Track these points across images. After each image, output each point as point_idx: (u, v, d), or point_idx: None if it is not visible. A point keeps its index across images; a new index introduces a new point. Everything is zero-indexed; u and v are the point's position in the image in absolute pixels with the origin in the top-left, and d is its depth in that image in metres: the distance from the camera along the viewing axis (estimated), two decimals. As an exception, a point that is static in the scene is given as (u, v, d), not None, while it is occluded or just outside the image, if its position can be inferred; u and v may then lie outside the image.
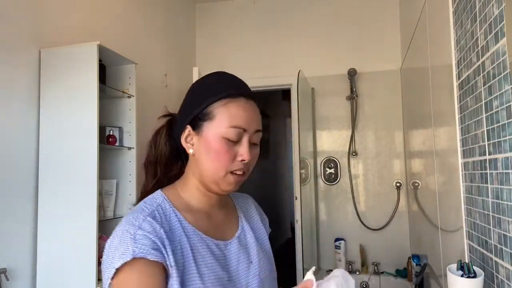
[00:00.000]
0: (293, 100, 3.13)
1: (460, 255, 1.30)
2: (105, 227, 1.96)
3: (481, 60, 1.06)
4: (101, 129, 1.87)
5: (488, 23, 0.99)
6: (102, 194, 1.94)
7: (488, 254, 1.04)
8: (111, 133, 1.99)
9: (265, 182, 5.36)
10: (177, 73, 3.10)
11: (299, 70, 2.76)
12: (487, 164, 1.02)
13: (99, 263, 1.72)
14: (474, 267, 1.00)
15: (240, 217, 0.91)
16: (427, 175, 2.00)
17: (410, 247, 2.87)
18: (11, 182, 1.63)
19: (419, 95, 2.17)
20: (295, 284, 0.93)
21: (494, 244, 0.99)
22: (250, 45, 3.36)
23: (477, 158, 1.11)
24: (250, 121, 0.77)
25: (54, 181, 1.74)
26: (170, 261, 0.69)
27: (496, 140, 0.96)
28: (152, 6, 2.81)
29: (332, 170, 3.15)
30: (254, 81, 3.23)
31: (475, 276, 0.97)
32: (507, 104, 0.88)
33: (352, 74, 3.06)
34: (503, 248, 0.93)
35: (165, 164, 0.86)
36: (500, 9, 0.91)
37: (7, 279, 1.53)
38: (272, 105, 5.51)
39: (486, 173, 1.03)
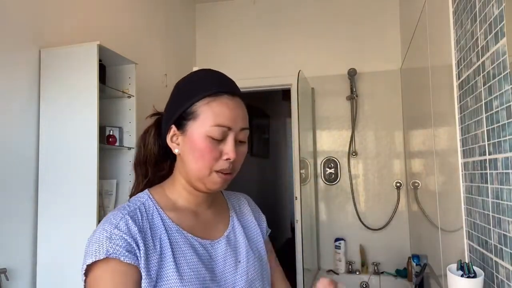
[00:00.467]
0: (293, 100, 3.13)
1: (460, 255, 1.30)
2: (105, 227, 1.96)
3: (481, 60, 1.06)
4: (101, 129, 1.87)
5: (488, 23, 0.99)
6: (102, 194, 1.94)
7: (488, 254, 1.04)
8: (111, 133, 1.99)
9: (265, 182, 5.36)
10: (177, 73, 3.10)
11: (299, 70, 2.76)
12: (487, 164, 1.02)
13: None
14: (474, 267, 1.00)
15: (232, 216, 0.90)
16: (427, 175, 2.00)
17: (410, 247, 2.87)
18: (11, 182, 1.63)
19: (419, 95, 2.17)
20: (295, 285, 0.92)
21: (494, 244, 0.99)
22: (250, 45, 3.36)
23: (477, 158, 1.11)
24: (235, 119, 0.76)
25: (54, 181, 1.74)
26: (142, 264, 0.69)
27: (496, 140, 0.96)
28: (152, 6, 2.81)
29: (332, 170, 3.15)
30: (254, 81, 3.23)
31: (475, 276, 0.97)
32: (507, 104, 0.88)
33: (352, 74, 3.06)
34: (503, 248, 0.93)
35: (154, 164, 0.86)
36: (500, 9, 0.91)
37: (7, 279, 1.53)
38: (272, 105, 5.51)
39: (486, 173, 1.03)
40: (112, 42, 2.09)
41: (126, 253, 0.68)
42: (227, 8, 3.46)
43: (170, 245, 0.73)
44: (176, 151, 0.79)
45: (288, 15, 3.31)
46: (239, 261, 0.82)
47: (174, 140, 0.79)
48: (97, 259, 0.67)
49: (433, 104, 1.75)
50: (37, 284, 1.70)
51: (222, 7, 3.48)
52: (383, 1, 3.11)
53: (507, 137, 0.89)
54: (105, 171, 1.99)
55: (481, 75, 1.05)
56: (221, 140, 0.75)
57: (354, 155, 3.09)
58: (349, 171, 3.08)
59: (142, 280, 0.69)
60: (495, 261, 0.99)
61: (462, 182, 1.28)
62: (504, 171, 0.91)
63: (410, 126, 2.63)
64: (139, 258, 0.69)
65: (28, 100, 1.74)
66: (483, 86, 1.04)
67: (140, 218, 0.73)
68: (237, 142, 0.78)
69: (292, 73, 2.90)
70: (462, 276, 0.98)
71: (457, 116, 1.31)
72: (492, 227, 1.00)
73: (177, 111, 0.78)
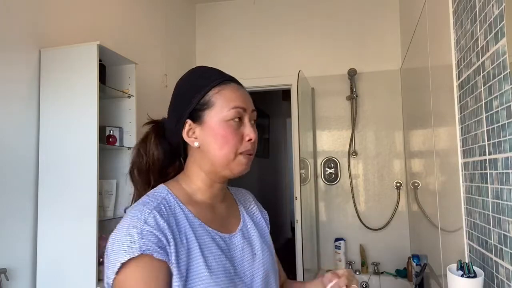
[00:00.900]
0: (293, 100, 3.13)
1: (460, 255, 1.30)
2: (105, 227, 1.96)
3: (481, 60, 1.06)
4: (101, 129, 1.87)
5: (488, 23, 0.99)
6: (102, 194, 1.94)
7: (488, 254, 1.04)
8: (111, 133, 1.99)
9: (265, 182, 5.36)
10: (177, 73, 3.10)
11: (299, 70, 2.76)
12: (487, 164, 1.02)
13: (99, 263, 1.73)
14: (474, 267, 1.00)
15: (241, 210, 0.92)
16: (427, 175, 2.00)
17: (410, 247, 2.87)
18: (11, 182, 1.63)
19: (419, 95, 2.17)
20: None
21: (494, 244, 0.99)
22: (250, 45, 3.36)
23: (477, 158, 1.11)
24: (246, 101, 0.81)
25: (54, 181, 1.74)
26: (172, 259, 0.69)
27: (496, 140, 0.96)
28: (152, 6, 2.81)
29: (332, 170, 3.15)
30: (254, 81, 3.23)
31: (475, 276, 0.97)
32: (507, 104, 0.88)
33: (352, 74, 3.06)
34: (503, 248, 0.93)
35: (159, 171, 0.85)
36: (500, 9, 0.91)
37: (7, 279, 1.53)
38: (272, 105, 5.51)
39: (486, 173, 1.03)
40: (112, 42, 2.09)
41: (158, 249, 0.67)
42: (227, 8, 3.46)
43: (196, 239, 0.74)
44: (195, 144, 0.80)
45: (288, 15, 3.31)
46: (255, 254, 0.84)
47: (191, 135, 0.80)
48: (131, 257, 0.66)
49: (433, 104, 1.75)
50: (37, 284, 1.70)
51: (222, 7, 3.48)
52: (383, 1, 3.11)
53: (507, 137, 0.89)
54: (105, 171, 1.99)
55: (481, 75, 1.05)
56: (240, 123, 0.79)
57: (354, 155, 3.09)
58: (349, 171, 3.08)
59: (173, 276, 0.69)
60: (495, 261, 0.99)
61: (462, 182, 1.28)
62: (504, 171, 0.91)
63: (410, 126, 2.63)
64: (169, 254, 0.69)
65: (28, 100, 1.74)
66: (483, 86, 1.04)
67: (166, 213, 0.73)
68: (252, 123, 0.82)
69: (292, 73, 2.90)
70: (462, 276, 0.98)
71: (457, 116, 1.31)
72: (492, 227, 1.00)
73: (189, 105, 0.79)
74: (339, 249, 2.98)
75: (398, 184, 2.98)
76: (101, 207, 1.92)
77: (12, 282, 1.58)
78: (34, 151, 1.75)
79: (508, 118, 0.88)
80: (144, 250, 0.66)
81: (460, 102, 1.28)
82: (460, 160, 1.29)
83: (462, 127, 1.27)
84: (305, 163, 2.98)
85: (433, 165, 1.78)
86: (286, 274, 1.02)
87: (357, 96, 3.07)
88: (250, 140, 0.79)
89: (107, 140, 1.96)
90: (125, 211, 0.77)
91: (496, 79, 0.94)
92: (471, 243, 1.21)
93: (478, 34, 1.07)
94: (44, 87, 1.78)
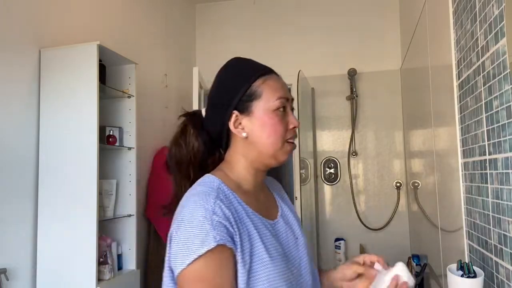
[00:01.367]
0: (293, 100, 3.12)
1: (460, 255, 1.30)
2: (105, 227, 1.96)
3: (481, 60, 1.06)
4: (101, 129, 1.87)
5: (488, 23, 0.99)
6: (102, 194, 1.94)
7: (488, 254, 1.04)
8: (111, 133, 1.99)
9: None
10: (177, 73, 3.10)
11: (299, 70, 2.76)
12: (487, 164, 1.02)
13: (99, 263, 1.73)
14: (474, 267, 1.00)
15: (276, 197, 0.94)
16: (427, 175, 2.00)
17: (410, 247, 2.87)
18: (11, 182, 1.63)
19: (419, 95, 2.17)
20: None
21: (494, 244, 0.99)
22: (250, 45, 3.36)
23: (477, 158, 1.11)
24: (287, 91, 0.85)
25: (54, 181, 1.74)
26: (238, 248, 0.70)
27: (496, 140, 0.96)
28: (152, 6, 2.81)
29: (332, 170, 3.15)
30: (254, 81, 3.22)
31: (475, 276, 0.97)
32: (507, 104, 0.88)
33: (352, 74, 3.06)
34: (503, 248, 0.93)
35: (200, 163, 0.85)
36: (500, 9, 0.91)
37: (7, 279, 1.53)
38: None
39: (486, 173, 1.03)
40: (112, 42, 2.09)
41: (229, 239, 0.69)
42: (227, 8, 3.46)
43: (254, 226, 0.76)
44: (243, 134, 0.81)
45: (288, 15, 3.31)
46: (297, 238, 0.87)
47: (237, 125, 0.81)
48: (208, 249, 0.66)
49: (433, 104, 1.75)
50: (37, 284, 1.70)
51: (222, 7, 3.48)
52: (383, 1, 3.11)
53: (507, 137, 0.89)
54: (105, 171, 1.99)
55: (481, 75, 1.05)
56: (283, 111, 0.82)
57: (354, 155, 3.09)
58: (349, 171, 3.08)
59: (238, 264, 0.70)
60: (495, 261, 0.99)
61: (462, 182, 1.28)
62: (504, 171, 0.91)
63: (410, 126, 2.63)
64: (236, 243, 0.70)
65: (28, 100, 1.74)
66: (483, 86, 1.04)
67: (226, 202, 0.73)
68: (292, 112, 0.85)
69: (292, 73, 2.90)
70: (462, 276, 0.98)
71: (457, 116, 1.31)
72: (492, 227, 1.00)
73: (236, 95, 0.80)
74: (339, 249, 2.98)
75: (398, 184, 2.98)
76: (101, 207, 1.92)
77: (12, 282, 1.58)
78: (34, 151, 1.75)
79: (508, 118, 0.88)
80: (218, 241, 0.66)
81: (460, 102, 1.28)
82: (460, 160, 1.29)
83: (462, 127, 1.27)
84: (305, 163, 2.98)
85: (433, 165, 1.78)
86: None
87: (357, 96, 3.07)
88: (294, 127, 0.82)
89: (107, 140, 1.96)
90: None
91: (496, 79, 0.94)
92: (471, 243, 1.21)
93: (478, 34, 1.07)
94: (44, 87, 1.78)
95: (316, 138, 3.20)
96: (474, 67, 1.12)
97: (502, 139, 0.92)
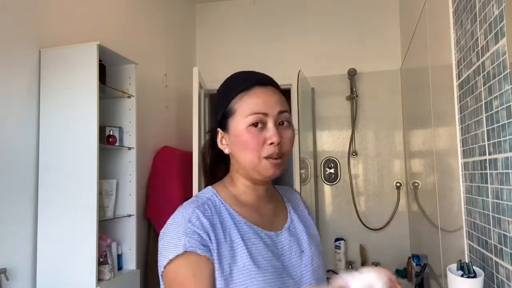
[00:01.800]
0: (293, 100, 3.12)
1: (460, 255, 1.30)
2: (105, 227, 1.96)
3: (481, 60, 1.06)
4: (101, 129, 1.87)
5: (488, 23, 0.99)
6: (102, 194, 1.94)
7: (488, 254, 1.04)
8: (111, 133, 1.99)
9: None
10: (177, 73, 3.10)
11: (299, 70, 2.76)
12: (487, 164, 1.02)
13: (99, 263, 1.73)
14: (474, 267, 1.00)
15: (289, 209, 0.93)
16: (427, 175, 2.00)
17: (410, 247, 2.87)
18: (11, 182, 1.63)
19: (419, 95, 2.17)
20: None
21: (494, 244, 0.99)
22: (250, 45, 3.36)
23: (477, 158, 1.11)
24: (269, 104, 0.80)
25: (54, 181, 1.74)
26: (214, 256, 0.73)
27: (496, 140, 0.96)
28: (152, 6, 2.81)
29: (332, 170, 3.15)
30: (254, 81, 3.22)
31: (475, 276, 0.97)
32: (507, 104, 0.88)
33: (352, 74, 3.06)
34: (503, 248, 0.93)
35: (211, 173, 0.92)
36: (500, 9, 0.91)
37: (7, 279, 1.53)
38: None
39: (486, 173, 1.03)
40: (112, 42, 2.09)
41: (202, 247, 0.72)
42: (227, 8, 3.46)
43: (241, 236, 0.77)
44: (226, 151, 0.84)
45: (288, 15, 3.31)
46: (303, 251, 0.86)
47: (224, 142, 0.84)
48: (177, 254, 0.72)
49: (433, 104, 1.75)
50: (37, 284, 1.70)
51: (222, 7, 3.48)
52: (383, 1, 3.11)
53: (507, 137, 0.89)
54: (105, 171, 1.99)
55: (481, 75, 1.05)
56: (262, 127, 0.79)
57: (354, 155, 3.09)
58: (349, 171, 3.08)
59: (215, 271, 0.73)
60: (495, 261, 0.99)
61: (462, 182, 1.28)
62: (504, 171, 0.91)
63: (410, 126, 2.63)
64: (211, 251, 0.73)
65: (28, 100, 1.74)
66: (483, 86, 1.04)
67: (209, 212, 0.77)
68: (280, 126, 0.81)
69: (292, 73, 2.90)
70: (462, 276, 0.98)
71: (457, 116, 1.31)
72: (492, 227, 1.00)
73: (219, 113, 0.84)
74: (339, 249, 2.98)
75: (398, 184, 2.98)
76: (101, 207, 1.92)
77: (12, 282, 1.58)
78: (34, 151, 1.75)
79: (508, 118, 0.88)
80: (187, 247, 0.72)
81: (460, 102, 1.28)
82: (460, 160, 1.29)
83: (462, 127, 1.27)
84: (305, 163, 2.98)
85: (433, 165, 1.78)
86: None
87: (357, 96, 3.07)
88: (272, 143, 0.78)
89: (107, 140, 1.96)
90: None
91: (496, 79, 0.94)
92: (471, 243, 1.21)
93: (478, 34, 1.07)
94: (44, 87, 1.78)
95: (316, 138, 3.20)
96: (474, 67, 1.12)
97: (502, 139, 0.92)
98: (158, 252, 0.76)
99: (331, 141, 3.18)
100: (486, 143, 1.03)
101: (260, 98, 0.80)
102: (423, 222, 2.17)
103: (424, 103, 1.96)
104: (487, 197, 1.03)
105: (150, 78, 2.68)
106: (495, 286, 0.99)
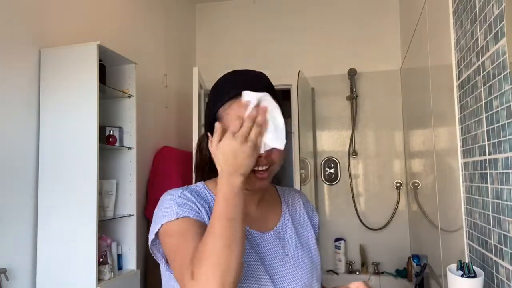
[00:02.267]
0: (293, 100, 3.13)
1: (460, 255, 1.30)
2: (105, 227, 1.96)
3: (481, 60, 1.06)
4: (101, 129, 1.87)
5: (488, 23, 0.99)
6: (102, 194, 1.94)
7: (488, 254, 1.04)
8: (111, 133, 1.99)
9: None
10: (177, 73, 3.10)
11: (299, 70, 2.76)
12: (487, 164, 1.02)
13: (99, 263, 1.73)
14: (474, 267, 1.00)
15: (284, 212, 0.92)
16: (427, 175, 2.00)
17: (410, 247, 2.87)
18: (11, 182, 1.63)
19: (419, 95, 2.17)
20: None
21: (494, 244, 0.99)
22: (250, 45, 3.36)
23: (477, 158, 1.11)
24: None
25: (54, 181, 1.74)
26: (206, 221, 0.74)
27: (496, 140, 0.96)
28: (152, 6, 2.81)
29: (332, 170, 3.15)
30: (254, 81, 3.22)
31: (475, 276, 0.97)
32: (507, 104, 0.88)
33: (352, 74, 3.06)
34: (503, 248, 0.93)
35: (210, 168, 0.87)
36: (500, 9, 0.91)
37: (7, 279, 1.53)
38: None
39: (486, 173, 1.03)
40: (112, 42, 2.09)
41: (194, 213, 0.75)
42: (227, 8, 3.46)
43: None
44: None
45: (288, 15, 3.31)
46: (287, 255, 0.84)
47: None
48: (169, 220, 0.73)
49: (433, 104, 1.75)
50: (37, 284, 1.70)
51: (222, 7, 3.48)
52: (383, 1, 3.11)
53: (507, 137, 0.89)
54: (105, 171, 1.99)
55: (481, 75, 1.05)
56: None
57: (354, 155, 3.09)
58: (349, 171, 3.08)
59: None
60: (495, 261, 0.99)
61: (462, 182, 1.28)
62: (504, 171, 0.91)
63: (410, 126, 2.63)
64: (203, 218, 0.75)
65: (28, 100, 1.74)
66: (483, 86, 1.04)
67: (196, 197, 0.79)
68: None
69: (292, 73, 2.90)
70: (462, 276, 0.98)
71: (457, 116, 1.31)
72: (492, 227, 1.00)
73: (208, 119, 0.82)
74: (339, 249, 2.98)
75: (398, 184, 2.98)
76: (101, 207, 1.92)
77: (12, 282, 1.58)
78: (34, 151, 1.75)
79: (508, 118, 0.88)
80: (180, 215, 0.73)
81: (460, 102, 1.28)
82: (460, 160, 1.29)
83: (462, 127, 1.27)
84: (305, 163, 2.98)
85: (433, 165, 1.78)
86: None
87: (357, 96, 3.07)
88: (260, 156, 0.74)
89: (107, 140, 1.96)
90: None
91: (496, 79, 0.94)
92: (471, 243, 1.21)
93: (478, 34, 1.07)
94: (44, 87, 1.78)
95: (316, 138, 3.20)
96: (474, 67, 1.12)
97: (502, 139, 0.92)
98: (151, 227, 0.77)
99: (331, 141, 3.18)
100: (486, 143, 1.03)
101: (242, 111, 0.75)
102: (423, 222, 2.17)
103: (424, 103, 1.96)
104: (487, 197, 1.03)
105: (150, 78, 2.68)
106: (495, 286, 0.99)
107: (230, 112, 0.76)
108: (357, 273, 2.93)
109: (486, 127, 1.02)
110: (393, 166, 3.02)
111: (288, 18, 3.31)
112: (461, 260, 1.03)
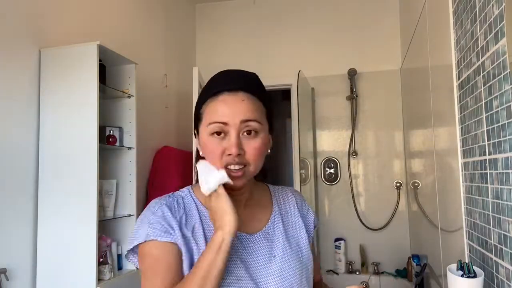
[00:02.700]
0: (293, 100, 3.13)
1: (460, 255, 1.30)
2: (105, 227, 1.96)
3: (481, 60, 1.06)
4: (101, 129, 1.87)
5: (488, 23, 0.99)
6: (102, 194, 1.94)
7: (488, 254, 1.04)
8: (111, 133, 1.99)
9: (265, 182, 5.35)
10: (177, 73, 3.10)
11: (299, 70, 2.76)
12: (487, 164, 1.02)
13: (99, 263, 1.73)
14: (474, 267, 1.00)
15: (275, 212, 0.91)
16: (427, 175, 2.00)
17: (410, 247, 2.87)
18: (11, 182, 1.63)
19: (419, 95, 2.17)
20: None
21: (494, 244, 0.99)
22: (250, 45, 3.36)
23: (477, 158, 1.11)
24: (231, 114, 0.76)
25: (54, 181, 1.74)
26: (180, 241, 0.77)
27: (496, 140, 0.96)
28: (152, 6, 2.81)
29: (332, 170, 3.15)
30: (254, 81, 3.22)
31: (475, 276, 0.97)
32: (507, 104, 0.88)
33: (352, 74, 3.06)
34: (503, 248, 0.93)
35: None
36: (500, 9, 0.91)
37: (7, 279, 1.53)
38: (272, 105, 5.50)
39: (486, 173, 1.03)
40: (112, 42, 2.09)
41: (163, 234, 0.76)
42: (227, 8, 3.46)
43: (204, 233, 0.79)
44: (201, 153, 0.85)
45: (288, 15, 3.31)
46: (274, 256, 0.83)
47: (200, 144, 0.85)
48: (139, 242, 0.77)
49: (433, 104, 1.75)
50: (37, 284, 1.70)
51: (222, 7, 3.48)
52: (383, 1, 3.11)
53: (507, 137, 0.89)
54: (105, 171, 1.99)
55: (481, 75, 1.05)
56: (224, 136, 0.77)
57: (354, 155, 3.09)
58: (349, 171, 3.08)
59: (183, 255, 0.77)
60: (495, 261, 0.99)
61: (462, 182, 1.28)
62: (504, 171, 0.91)
63: (410, 126, 2.63)
64: (176, 239, 0.77)
65: (28, 100, 1.74)
66: (483, 86, 1.04)
67: (176, 207, 0.81)
68: (246, 135, 0.77)
69: (292, 73, 2.90)
70: (462, 276, 0.98)
71: (457, 116, 1.31)
72: (492, 227, 1.00)
73: (194, 118, 0.85)
74: (339, 249, 2.98)
75: (398, 184, 2.98)
76: (101, 207, 1.92)
77: (12, 282, 1.58)
78: (34, 151, 1.75)
79: (508, 118, 0.88)
80: (149, 237, 0.76)
81: (460, 102, 1.28)
82: (460, 160, 1.29)
83: (462, 127, 1.27)
84: (305, 163, 2.98)
85: (433, 165, 1.78)
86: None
87: (357, 96, 3.07)
88: (230, 155, 0.75)
89: (107, 140, 1.96)
90: None
91: (496, 79, 0.94)
92: (471, 243, 1.21)
93: (478, 34, 1.07)
94: (44, 87, 1.78)
95: (316, 138, 3.20)
96: (474, 67, 1.12)
97: (502, 139, 0.92)
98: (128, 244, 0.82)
99: (331, 141, 3.18)
100: (486, 143, 1.03)
101: (225, 106, 0.77)
102: (423, 222, 2.17)
103: (424, 103, 1.96)
104: (487, 197, 1.03)
105: (150, 78, 2.68)
106: (495, 286, 0.99)
107: (208, 111, 0.79)
108: (357, 273, 2.93)
109: (486, 127, 1.02)
110: (393, 166, 3.02)
111: (288, 18, 3.31)
112: (461, 260, 1.03)
